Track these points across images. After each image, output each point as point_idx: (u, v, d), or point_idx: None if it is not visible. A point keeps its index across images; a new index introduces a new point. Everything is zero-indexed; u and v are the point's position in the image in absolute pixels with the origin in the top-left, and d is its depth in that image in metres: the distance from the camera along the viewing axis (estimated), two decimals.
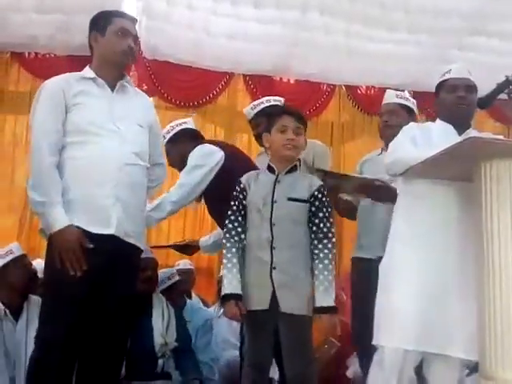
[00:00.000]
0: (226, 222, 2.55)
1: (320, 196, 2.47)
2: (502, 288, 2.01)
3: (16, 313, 3.20)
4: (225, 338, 4.31)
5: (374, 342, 2.55)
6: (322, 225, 2.45)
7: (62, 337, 2.37)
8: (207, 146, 3.28)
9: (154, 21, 5.25)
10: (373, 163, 3.39)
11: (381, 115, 3.50)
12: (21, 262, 3.29)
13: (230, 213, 2.55)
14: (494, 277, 2.04)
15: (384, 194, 2.98)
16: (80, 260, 2.35)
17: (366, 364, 2.82)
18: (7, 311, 3.13)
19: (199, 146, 3.27)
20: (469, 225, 2.36)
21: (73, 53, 5.41)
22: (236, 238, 2.50)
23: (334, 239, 2.46)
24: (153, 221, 3.08)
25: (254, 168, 3.22)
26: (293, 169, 2.55)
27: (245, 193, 2.54)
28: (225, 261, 2.50)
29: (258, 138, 3.61)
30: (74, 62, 5.23)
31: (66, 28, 5.15)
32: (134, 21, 2.77)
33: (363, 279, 3.17)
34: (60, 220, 2.38)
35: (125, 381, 3.25)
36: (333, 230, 2.46)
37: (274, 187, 2.49)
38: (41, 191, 2.39)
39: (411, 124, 2.89)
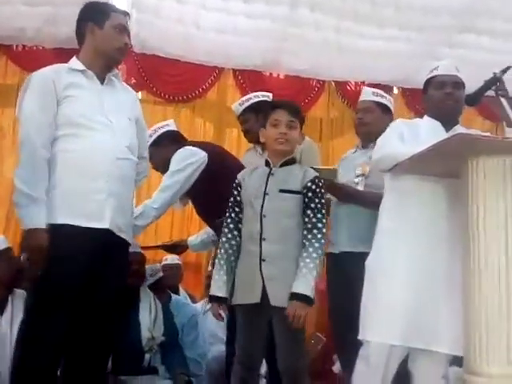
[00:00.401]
0: (223, 219, 2.57)
1: (314, 187, 2.45)
2: (488, 284, 2.02)
3: (0, 306, 3.18)
4: (213, 332, 4.32)
5: (359, 337, 2.56)
6: (312, 215, 2.42)
7: (54, 332, 2.36)
8: (189, 149, 3.27)
9: (144, 14, 5.23)
10: (347, 161, 3.38)
11: (356, 112, 3.48)
12: (6, 255, 3.27)
13: (227, 210, 2.56)
14: (479, 273, 2.05)
15: (339, 194, 3.07)
16: (40, 263, 2.35)
17: (346, 360, 2.83)
18: None
19: (181, 149, 3.26)
20: (456, 221, 2.37)
21: (60, 45, 5.38)
22: (229, 235, 2.51)
23: (324, 230, 2.43)
24: (139, 229, 3.06)
25: (240, 166, 3.24)
26: (289, 162, 2.53)
27: (239, 188, 2.54)
28: (216, 260, 2.52)
29: (247, 133, 3.62)
30: (62, 55, 5.17)
31: (54, 20, 5.12)
32: (128, 17, 2.76)
33: (331, 274, 3.21)
34: (37, 219, 2.36)
35: (111, 375, 3.25)
36: (324, 221, 2.43)
37: (267, 180, 2.48)
38: (29, 184, 2.37)
39: (399, 120, 2.90)
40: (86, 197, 2.45)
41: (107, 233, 2.48)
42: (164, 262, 4.69)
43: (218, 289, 2.45)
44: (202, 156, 3.21)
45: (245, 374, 2.44)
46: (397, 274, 2.53)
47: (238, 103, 3.70)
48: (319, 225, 2.42)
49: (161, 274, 4.12)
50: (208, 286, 4.58)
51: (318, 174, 2.52)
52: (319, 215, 2.43)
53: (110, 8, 2.71)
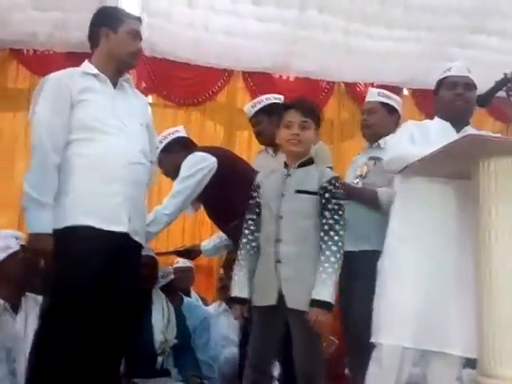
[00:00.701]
0: (243, 221, 2.55)
1: (330, 187, 2.40)
2: (500, 286, 2.02)
3: (14, 308, 3.20)
4: (225, 335, 4.33)
5: (372, 340, 2.56)
6: (329, 216, 2.37)
7: (70, 335, 2.36)
8: (199, 155, 3.28)
9: (154, 18, 5.24)
10: (354, 164, 3.40)
11: (362, 113, 3.48)
12: (17, 256, 3.30)
13: (246, 212, 2.55)
14: (491, 274, 2.05)
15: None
16: (44, 268, 2.41)
17: (356, 361, 2.82)
18: (7, 305, 3.14)
19: (191, 155, 3.27)
20: (466, 222, 2.37)
21: (71, 50, 5.41)
22: (250, 237, 2.49)
23: (341, 232, 2.37)
24: (151, 235, 3.08)
25: (251, 170, 3.26)
26: (306, 163, 2.50)
27: (258, 190, 2.52)
28: (237, 261, 2.50)
29: (259, 135, 3.62)
30: (73, 59, 5.20)
31: (65, 25, 5.15)
32: (141, 23, 2.78)
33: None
34: (44, 224, 2.37)
35: (125, 378, 3.26)
36: (341, 222, 2.38)
37: (284, 181, 2.46)
38: (38, 189, 2.38)
39: (409, 122, 2.90)
40: (102, 200, 2.46)
41: (124, 236, 2.50)
42: (176, 265, 4.69)
43: (240, 290, 2.43)
44: (211, 161, 3.21)
45: (256, 377, 2.42)
46: (408, 277, 2.53)
47: (250, 105, 3.71)
48: (336, 226, 2.37)
49: (172, 276, 4.13)
50: (221, 289, 4.62)
51: (336, 175, 2.49)
52: (336, 216, 2.38)
53: (124, 14, 2.73)
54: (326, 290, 2.30)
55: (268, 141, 3.53)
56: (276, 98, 3.64)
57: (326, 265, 2.32)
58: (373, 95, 3.40)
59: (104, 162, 2.47)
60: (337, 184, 2.43)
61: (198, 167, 3.18)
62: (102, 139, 2.48)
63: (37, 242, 2.36)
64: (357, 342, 2.77)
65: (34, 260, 3.16)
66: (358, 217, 2.97)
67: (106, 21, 2.65)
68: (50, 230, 2.37)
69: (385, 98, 3.35)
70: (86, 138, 2.48)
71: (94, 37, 2.67)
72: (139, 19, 2.77)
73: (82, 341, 2.40)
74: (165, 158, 3.40)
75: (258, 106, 3.59)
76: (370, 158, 3.21)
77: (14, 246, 3.29)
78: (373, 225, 2.94)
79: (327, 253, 2.34)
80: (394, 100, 3.39)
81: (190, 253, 4.08)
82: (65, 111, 2.46)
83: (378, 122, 3.28)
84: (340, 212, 2.40)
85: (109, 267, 2.44)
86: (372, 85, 6.16)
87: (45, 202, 2.37)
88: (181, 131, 3.64)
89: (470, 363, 2.41)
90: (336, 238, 2.36)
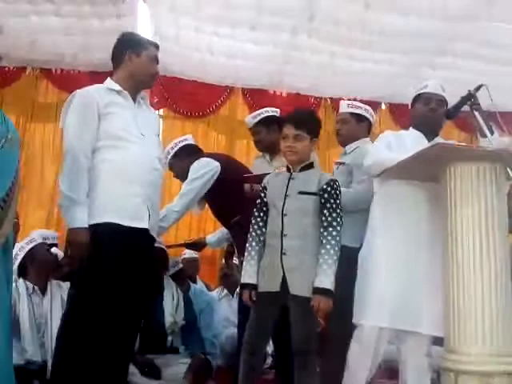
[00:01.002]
0: (252, 217, 2.54)
1: (329, 189, 2.40)
2: (464, 275, 2.03)
3: (42, 291, 3.26)
4: (226, 316, 4.33)
5: (354, 321, 2.56)
6: (328, 214, 2.38)
7: (96, 316, 2.34)
8: (204, 160, 3.32)
9: (165, 42, 5.21)
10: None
11: (337, 123, 3.43)
12: (42, 248, 3.36)
13: (254, 209, 2.54)
14: (457, 265, 2.06)
15: None
16: (83, 259, 2.35)
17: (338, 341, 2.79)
18: (35, 287, 3.19)
19: (198, 160, 3.32)
20: (436, 219, 2.37)
21: (93, 69, 5.41)
22: (258, 232, 2.48)
23: (339, 228, 2.37)
24: (163, 229, 3.14)
25: (248, 173, 3.30)
26: (307, 167, 2.49)
27: (266, 190, 2.51)
28: (246, 253, 2.49)
29: (257, 143, 3.61)
30: (95, 77, 5.19)
31: (88, 48, 5.14)
32: (158, 49, 2.78)
33: None
34: (80, 220, 2.36)
35: (139, 355, 3.26)
36: (339, 219, 2.38)
37: (288, 183, 2.45)
38: (73, 188, 2.37)
39: (387, 132, 2.90)
40: (126, 200, 2.45)
41: (144, 231, 2.51)
42: (183, 256, 4.69)
43: (249, 277, 2.42)
44: (215, 165, 3.26)
45: (251, 354, 2.40)
46: (385, 266, 2.54)
47: (251, 117, 3.70)
48: (334, 223, 2.37)
49: (180, 265, 4.13)
50: (223, 277, 4.62)
51: (333, 177, 2.50)
52: (334, 214, 2.38)
53: (146, 40, 2.74)
54: (328, 279, 2.31)
55: (265, 148, 3.53)
56: (273, 111, 3.64)
57: (326, 257, 2.33)
58: (343, 107, 3.33)
59: (128, 167, 2.47)
60: (334, 186, 2.43)
61: (204, 171, 3.22)
62: (126, 147, 2.48)
63: (76, 235, 2.35)
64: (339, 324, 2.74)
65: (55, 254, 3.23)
66: None
67: (130, 45, 2.65)
68: (85, 225, 2.36)
69: (354, 108, 3.28)
70: (111, 145, 2.47)
71: (117, 58, 2.66)
72: (157, 46, 2.77)
73: (105, 323, 2.38)
74: (175, 163, 3.45)
75: (258, 118, 3.57)
76: (336, 163, 3.22)
77: (38, 239, 3.32)
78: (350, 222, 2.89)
79: (327, 246, 2.35)
80: (363, 109, 3.30)
81: (197, 245, 4.07)
82: (93, 122, 2.45)
83: (349, 131, 3.23)
84: (338, 210, 2.40)
85: (131, 258, 2.43)
86: (355, 100, 6.17)
87: (78, 200, 2.37)
88: (189, 139, 3.65)
89: (438, 341, 2.41)
90: (334, 233, 2.37)
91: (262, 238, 2.48)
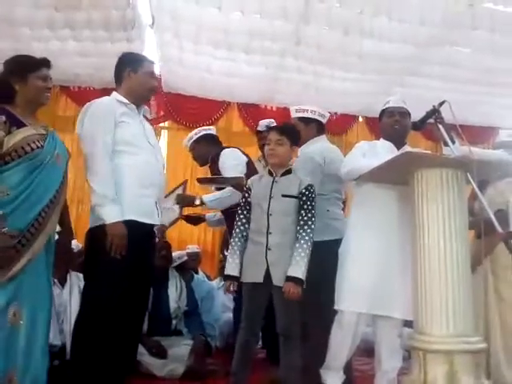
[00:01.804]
0: (236, 215, 2.52)
1: (307, 193, 2.42)
2: (431, 266, 2.04)
3: (61, 282, 3.23)
4: (224, 303, 4.32)
5: (335, 307, 2.56)
6: (304, 214, 2.39)
7: (112, 302, 2.31)
8: (236, 150, 3.43)
9: (169, 63, 5.25)
10: None
11: None
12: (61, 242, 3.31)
13: (238, 208, 2.53)
14: (424, 255, 2.07)
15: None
16: (123, 247, 2.31)
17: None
18: (55, 280, 3.13)
19: (232, 150, 3.42)
20: (405, 217, 2.38)
21: (107, 86, 5.35)
22: (241, 228, 2.47)
23: (313, 226, 2.39)
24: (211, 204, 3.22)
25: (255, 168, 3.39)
26: (287, 172, 2.50)
27: (250, 191, 2.50)
28: (230, 247, 2.49)
29: (262, 147, 3.57)
30: (107, 94, 5.18)
31: (102, 68, 5.12)
32: (154, 64, 2.75)
33: None
34: (115, 215, 2.32)
35: (146, 336, 3.25)
36: (313, 219, 2.39)
37: (272, 186, 2.45)
38: (104, 188, 2.33)
39: (362, 142, 2.89)
40: (143, 200, 2.43)
41: (152, 226, 2.50)
42: (187, 251, 4.68)
43: (232, 270, 2.42)
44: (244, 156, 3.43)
45: (247, 338, 2.41)
46: (362, 258, 2.54)
47: (265, 124, 3.84)
48: (309, 222, 2.39)
49: (185, 258, 4.12)
50: (221, 269, 4.61)
51: (311, 182, 2.47)
52: (310, 214, 2.40)
53: (142, 58, 2.69)
54: (299, 269, 2.32)
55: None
56: (271, 122, 3.85)
57: (300, 250, 2.35)
58: (292, 113, 3.20)
59: (141, 171, 2.44)
60: (311, 190, 2.45)
61: (241, 160, 3.36)
62: (139, 153, 2.45)
63: (114, 229, 2.30)
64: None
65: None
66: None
67: (128, 63, 2.61)
68: (121, 218, 2.32)
69: (300, 112, 3.13)
70: (126, 150, 2.44)
71: (118, 75, 2.63)
72: (153, 62, 2.73)
73: (118, 308, 2.35)
74: (196, 147, 3.52)
75: (270, 126, 3.53)
76: None
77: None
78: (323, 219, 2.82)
79: (302, 242, 2.37)
80: (309, 112, 3.12)
81: (197, 220, 3.79)
82: (111, 128, 2.42)
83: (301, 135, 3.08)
84: (313, 211, 2.42)
85: (143, 250, 2.44)
86: (336, 114, 6.20)
87: (111, 197, 2.33)
88: (212, 130, 3.65)
89: (409, 323, 2.42)
90: (308, 230, 2.39)
91: (244, 234, 2.47)
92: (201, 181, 3.46)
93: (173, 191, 3.57)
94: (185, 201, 3.41)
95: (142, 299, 2.54)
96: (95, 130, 2.41)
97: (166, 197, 3.13)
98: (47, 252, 2.19)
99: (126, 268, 2.33)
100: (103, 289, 2.32)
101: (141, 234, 2.41)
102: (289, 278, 2.31)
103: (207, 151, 3.47)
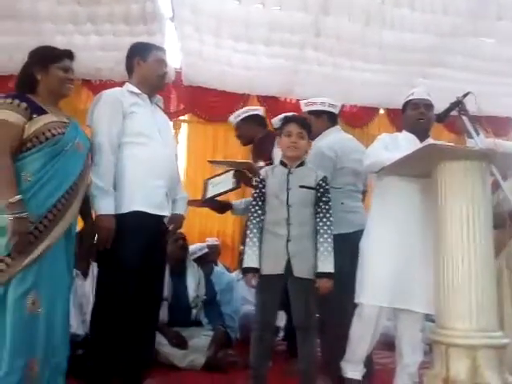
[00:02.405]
0: (250, 206, 2.48)
1: (324, 184, 2.41)
2: (454, 259, 2.01)
3: (84, 274, 3.26)
4: (243, 296, 4.33)
5: (355, 301, 2.54)
6: (323, 206, 2.38)
7: (125, 292, 2.34)
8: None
9: (189, 56, 5.25)
10: None
11: None
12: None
13: (252, 199, 2.49)
14: (447, 248, 2.04)
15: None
16: (107, 242, 2.32)
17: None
18: (78, 272, 3.17)
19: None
20: (428, 210, 2.35)
21: (126, 79, 5.42)
22: (258, 219, 2.42)
23: (331, 218, 2.37)
24: None
25: None
26: (302, 163, 2.47)
27: (264, 183, 2.46)
28: (247, 239, 2.42)
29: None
30: None
31: (122, 61, 5.12)
32: (165, 51, 2.70)
33: None
34: (106, 208, 2.33)
35: (167, 327, 3.28)
36: (331, 211, 2.39)
37: (288, 178, 2.42)
38: (102, 179, 2.34)
39: (384, 134, 2.86)
40: (151, 192, 2.43)
41: (163, 218, 2.50)
42: (206, 243, 4.70)
43: (252, 261, 2.37)
44: None
45: (262, 331, 2.37)
46: (383, 252, 2.51)
47: (278, 119, 3.66)
48: (328, 214, 2.38)
49: (206, 250, 4.14)
50: (240, 261, 4.60)
51: (325, 174, 2.47)
52: (327, 206, 2.39)
53: (151, 46, 2.65)
54: (329, 264, 2.32)
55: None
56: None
57: (326, 244, 2.34)
58: (303, 107, 3.16)
59: (151, 162, 2.43)
60: (327, 181, 2.44)
61: None
62: (148, 144, 2.44)
63: (102, 222, 2.32)
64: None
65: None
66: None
67: (137, 52, 2.59)
68: (112, 212, 2.33)
69: (309, 106, 3.11)
70: (135, 142, 2.43)
71: (129, 65, 2.62)
72: (163, 49, 2.69)
73: (132, 296, 2.39)
74: (242, 126, 3.45)
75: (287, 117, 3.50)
76: None
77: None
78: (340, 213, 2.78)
79: (325, 235, 2.35)
80: (318, 104, 3.09)
81: (224, 207, 3.62)
82: (119, 120, 2.42)
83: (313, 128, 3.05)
84: (330, 203, 2.41)
85: (153, 241, 2.44)
86: (355, 106, 6.14)
87: (107, 189, 2.33)
88: (260, 111, 3.59)
89: (431, 317, 2.39)
90: (328, 222, 2.37)
91: (260, 225, 2.42)
92: (212, 162, 3.54)
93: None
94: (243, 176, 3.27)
95: (154, 289, 2.53)
96: (101, 121, 2.42)
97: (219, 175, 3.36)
98: (67, 241, 2.18)
99: (134, 257, 2.34)
100: (113, 277, 2.34)
101: (150, 225, 2.40)
102: (321, 274, 2.31)
103: (252, 132, 3.41)
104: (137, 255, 2.35)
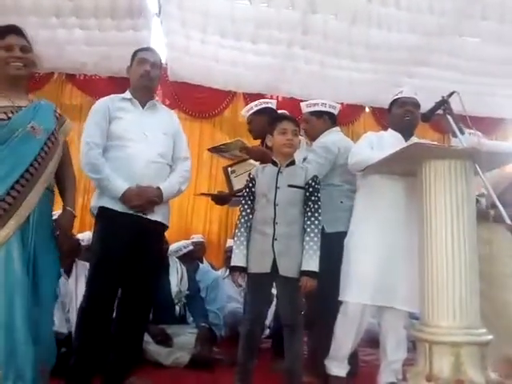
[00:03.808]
0: (240, 205, 2.48)
1: (313, 184, 2.40)
2: (437, 257, 2.03)
3: (67, 272, 3.22)
4: (228, 293, 4.33)
5: (340, 298, 2.56)
6: (312, 205, 2.37)
7: (107, 291, 2.38)
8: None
9: (175, 52, 5.22)
10: None
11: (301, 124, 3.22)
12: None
13: (242, 198, 2.50)
14: (431, 247, 2.06)
15: (260, 156, 2.91)
16: (144, 205, 2.39)
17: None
18: (61, 269, 3.12)
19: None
20: (412, 208, 2.37)
21: (113, 75, 5.40)
22: (246, 218, 2.43)
23: (320, 217, 2.37)
24: None
25: None
26: (291, 162, 2.48)
27: (254, 182, 2.46)
28: (235, 238, 2.43)
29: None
30: (113, 82, 5.23)
31: (108, 56, 5.12)
32: (152, 50, 2.71)
33: None
34: (119, 187, 2.37)
35: (152, 325, 3.26)
36: (320, 210, 2.38)
37: (277, 176, 2.42)
38: (95, 172, 2.38)
39: (369, 133, 2.88)
40: None
41: (146, 219, 2.47)
42: (191, 240, 4.69)
43: (239, 260, 2.37)
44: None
45: (252, 328, 2.39)
46: (367, 251, 2.53)
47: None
48: (316, 214, 2.37)
49: (191, 247, 4.13)
50: (226, 259, 4.59)
51: (316, 173, 2.47)
52: (316, 206, 2.38)
53: (137, 50, 2.68)
54: (314, 263, 2.31)
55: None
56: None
57: (312, 243, 2.33)
58: (303, 108, 3.18)
59: (124, 163, 2.44)
60: (317, 181, 2.44)
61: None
62: (126, 146, 2.46)
63: (126, 197, 2.37)
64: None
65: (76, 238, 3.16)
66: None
67: (130, 61, 2.67)
68: (126, 186, 2.37)
69: (311, 107, 3.12)
70: (117, 144, 2.47)
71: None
72: (147, 48, 2.74)
73: (117, 289, 2.44)
74: (255, 119, 3.37)
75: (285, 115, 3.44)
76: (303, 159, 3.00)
77: None
78: (332, 211, 2.76)
79: (311, 234, 2.34)
80: (320, 105, 3.11)
81: (225, 199, 3.49)
82: (105, 124, 2.48)
83: (311, 129, 3.10)
84: (319, 202, 2.40)
85: (138, 241, 2.42)
86: (342, 104, 6.15)
87: (105, 177, 2.38)
88: (272, 104, 3.52)
89: (414, 315, 2.41)
90: (316, 222, 2.37)
91: (249, 224, 2.43)
92: (211, 150, 3.44)
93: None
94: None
95: (142, 289, 2.50)
96: (87, 125, 2.52)
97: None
98: (23, 234, 1.99)
99: (105, 250, 2.38)
100: (90, 271, 2.47)
101: (123, 223, 2.40)
102: (304, 273, 2.30)
103: (265, 125, 3.38)
104: (108, 250, 2.37)
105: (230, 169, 3.39)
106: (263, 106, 3.42)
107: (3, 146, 1.98)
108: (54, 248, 2.13)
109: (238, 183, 3.24)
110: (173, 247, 4.02)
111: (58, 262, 2.16)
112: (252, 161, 3.22)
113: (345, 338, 2.55)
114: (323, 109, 3.09)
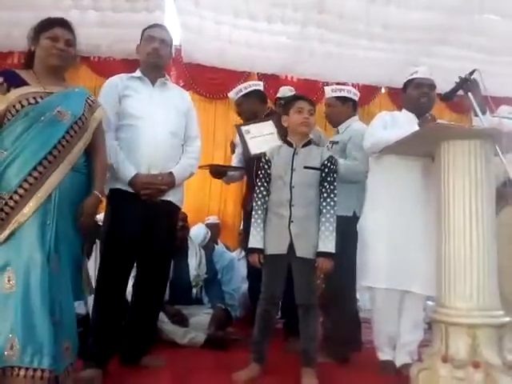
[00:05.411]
0: (256, 187, 2.48)
1: (329, 165, 2.39)
2: (456, 238, 2.02)
3: (87, 254, 3.23)
4: (243, 274, 4.35)
5: (363, 284, 2.59)
6: (327, 186, 2.37)
7: (118, 269, 2.42)
8: None
9: (189, 33, 5.20)
10: None
11: (325, 108, 3.25)
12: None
13: (258, 180, 2.50)
14: (449, 229, 2.04)
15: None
16: (153, 191, 2.42)
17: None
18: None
19: None
20: (429, 190, 2.36)
21: (127, 57, 5.40)
22: (262, 200, 2.43)
23: (335, 198, 2.36)
24: None
25: None
26: (307, 143, 2.47)
27: (269, 163, 2.46)
28: (253, 220, 2.43)
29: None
30: (128, 64, 5.21)
31: (122, 38, 5.11)
32: (160, 26, 2.69)
33: None
34: (128, 172, 2.40)
35: (168, 305, 3.30)
36: (335, 191, 2.38)
37: (293, 158, 2.41)
38: (110, 158, 2.36)
39: (383, 112, 2.85)
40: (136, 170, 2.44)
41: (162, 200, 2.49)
42: (207, 222, 4.71)
43: (257, 242, 2.39)
44: None
45: (268, 306, 2.42)
46: (383, 235, 2.53)
47: (288, 90, 3.80)
48: (332, 195, 2.37)
49: (209, 236, 4.17)
50: (241, 241, 4.62)
51: (331, 154, 2.46)
52: (332, 187, 2.38)
53: (145, 28, 2.66)
54: (330, 244, 2.32)
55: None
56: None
57: (328, 224, 2.34)
58: (328, 93, 3.16)
59: (138, 145, 2.44)
60: (333, 161, 2.42)
61: None
62: (138, 125, 2.45)
63: (134, 184, 2.41)
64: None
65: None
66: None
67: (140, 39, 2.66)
68: (134, 172, 2.40)
69: (337, 92, 3.13)
70: (127, 124, 2.47)
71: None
72: (156, 25, 2.70)
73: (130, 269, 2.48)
74: (244, 102, 3.38)
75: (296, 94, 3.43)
76: (330, 142, 3.07)
77: None
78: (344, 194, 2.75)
79: (327, 215, 2.35)
80: (345, 91, 3.13)
81: (221, 173, 3.50)
82: (113, 102, 2.47)
83: (335, 114, 3.12)
84: (335, 183, 2.40)
85: (144, 221, 2.44)
86: (358, 85, 6.09)
87: (115, 162, 2.40)
88: (260, 86, 3.52)
89: (432, 297, 2.41)
90: (332, 203, 2.37)
91: (265, 206, 2.44)
92: (239, 126, 3.28)
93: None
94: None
95: (157, 269, 2.54)
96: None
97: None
98: (44, 215, 1.99)
99: (114, 233, 2.42)
100: (104, 252, 2.49)
101: (127, 200, 2.42)
102: (322, 254, 2.31)
103: (254, 108, 3.36)
104: (118, 229, 2.40)
105: (243, 128, 3.24)
106: (252, 88, 3.42)
107: (31, 128, 2.02)
108: (77, 229, 2.14)
109: (254, 147, 3.13)
110: (196, 237, 3.99)
111: (79, 243, 2.17)
112: (270, 122, 3.15)
113: (379, 323, 2.59)
114: (348, 95, 3.12)
